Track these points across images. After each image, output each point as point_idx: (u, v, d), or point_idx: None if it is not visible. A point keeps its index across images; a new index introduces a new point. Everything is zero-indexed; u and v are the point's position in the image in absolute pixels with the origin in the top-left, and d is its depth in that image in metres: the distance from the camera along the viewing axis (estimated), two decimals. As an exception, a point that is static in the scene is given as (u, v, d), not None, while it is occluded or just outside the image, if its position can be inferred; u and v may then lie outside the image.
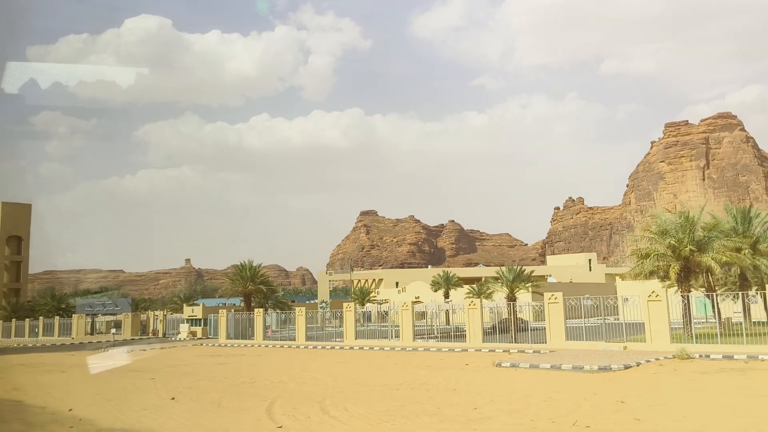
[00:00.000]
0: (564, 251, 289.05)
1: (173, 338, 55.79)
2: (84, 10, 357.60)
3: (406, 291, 79.10)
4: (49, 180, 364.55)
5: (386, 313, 40.52)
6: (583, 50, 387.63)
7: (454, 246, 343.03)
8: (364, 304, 74.25)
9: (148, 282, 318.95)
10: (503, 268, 33.81)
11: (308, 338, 40.57)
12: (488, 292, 34.44)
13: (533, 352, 27.30)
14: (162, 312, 60.55)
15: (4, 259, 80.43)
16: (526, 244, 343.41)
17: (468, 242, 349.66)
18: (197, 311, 56.71)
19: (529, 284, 33.04)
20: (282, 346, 39.59)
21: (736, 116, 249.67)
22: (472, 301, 31.73)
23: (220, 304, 61.11)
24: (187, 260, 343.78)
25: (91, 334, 63.53)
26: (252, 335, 45.95)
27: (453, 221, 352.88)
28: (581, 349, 26.93)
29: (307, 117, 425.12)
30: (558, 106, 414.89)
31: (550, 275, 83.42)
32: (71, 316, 65.37)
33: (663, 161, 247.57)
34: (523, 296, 35.52)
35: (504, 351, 28.48)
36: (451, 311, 42.21)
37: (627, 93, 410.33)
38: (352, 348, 34.76)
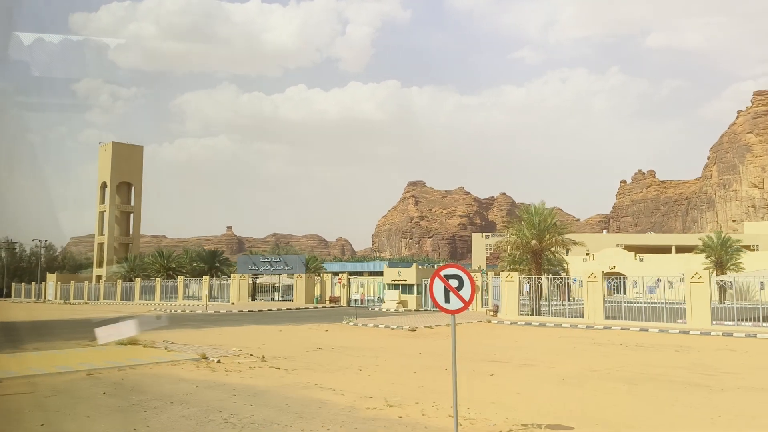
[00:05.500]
0: (632, 226, 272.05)
1: (373, 308, 42.71)
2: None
3: (594, 259, 65.48)
4: (89, 146, 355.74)
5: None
6: (628, 23, 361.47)
7: (505, 219, 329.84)
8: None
9: (191, 248, 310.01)
10: None
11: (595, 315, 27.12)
12: None
13: None
14: (345, 274, 47.43)
15: (114, 209, 67.52)
16: (578, 219, 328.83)
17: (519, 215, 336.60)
18: (406, 274, 43.39)
19: None
20: (610, 327, 26.03)
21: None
22: None
23: (420, 266, 47.88)
24: (229, 227, 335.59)
25: (252, 298, 50.85)
26: (539, 310, 32.94)
27: (504, 194, 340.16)
28: None
29: (344, 89, 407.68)
30: (599, 81, 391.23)
31: (757, 245, 69.20)
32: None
33: (751, 132, 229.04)
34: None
35: None
36: None
37: (673, 68, 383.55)
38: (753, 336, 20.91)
